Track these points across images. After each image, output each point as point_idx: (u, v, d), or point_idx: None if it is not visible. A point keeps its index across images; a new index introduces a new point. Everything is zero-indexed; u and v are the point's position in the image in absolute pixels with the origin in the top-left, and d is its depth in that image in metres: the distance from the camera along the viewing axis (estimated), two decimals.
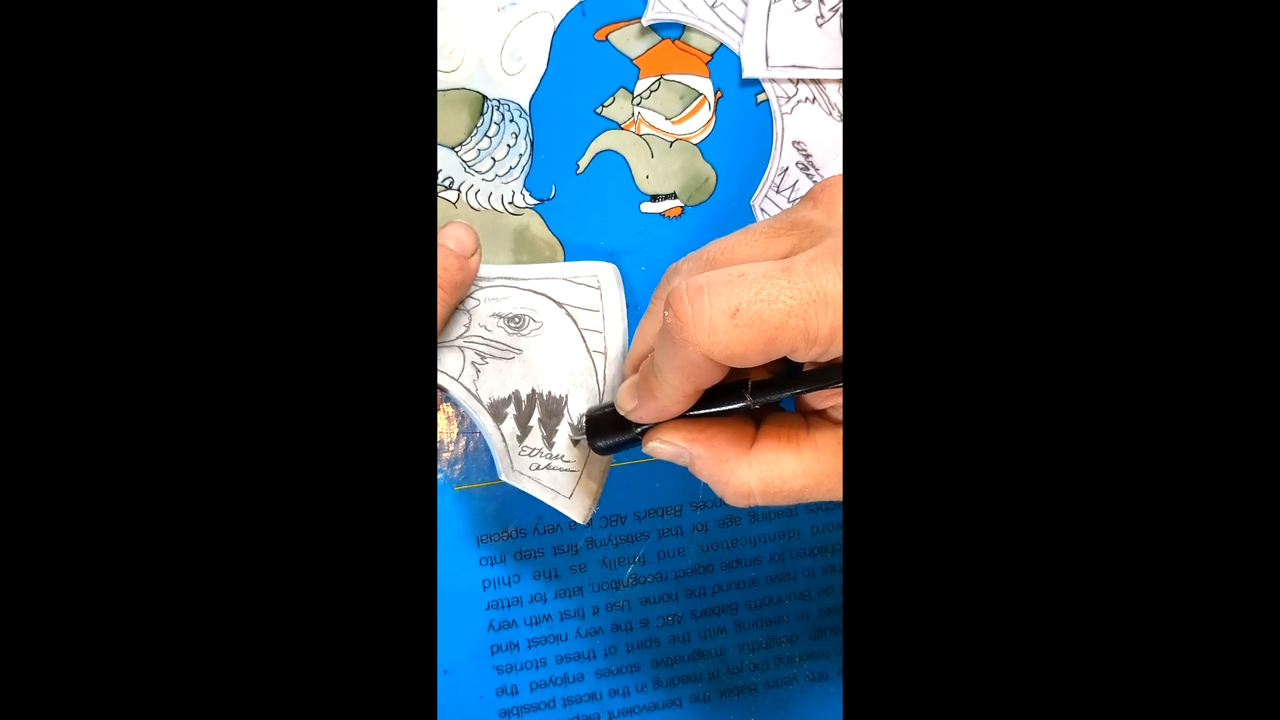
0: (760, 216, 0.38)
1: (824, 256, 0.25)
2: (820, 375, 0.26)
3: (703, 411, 0.28)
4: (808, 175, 0.37)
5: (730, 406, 0.28)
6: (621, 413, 0.30)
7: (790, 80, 0.37)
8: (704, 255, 0.29)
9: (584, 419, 0.32)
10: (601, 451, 0.32)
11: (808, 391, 0.27)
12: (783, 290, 0.24)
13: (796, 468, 0.27)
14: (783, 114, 0.37)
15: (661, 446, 0.29)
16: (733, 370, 0.27)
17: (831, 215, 0.27)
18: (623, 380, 0.31)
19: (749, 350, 0.24)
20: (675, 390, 0.27)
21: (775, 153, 0.37)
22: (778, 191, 0.37)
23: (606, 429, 0.31)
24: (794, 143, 0.37)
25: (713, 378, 0.26)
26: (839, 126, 0.37)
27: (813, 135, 0.37)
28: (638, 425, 0.30)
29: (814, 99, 0.37)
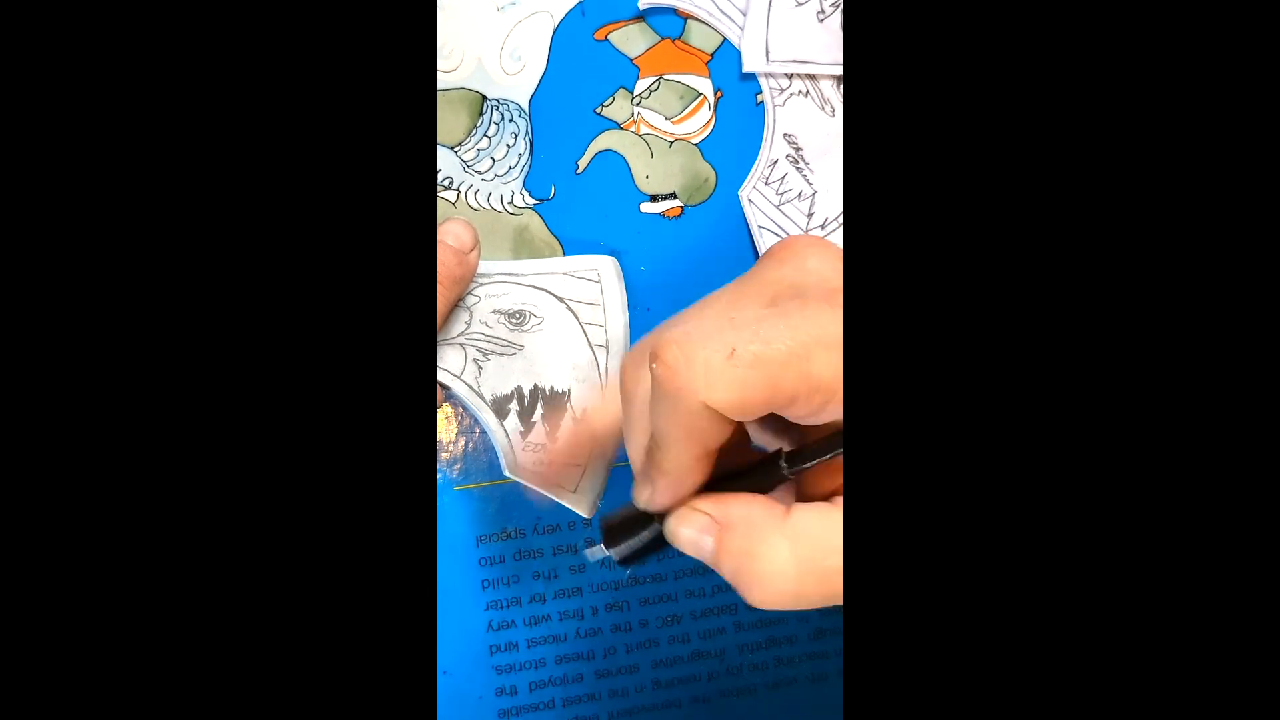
0: (748, 208, 0.37)
1: (814, 304, 0.23)
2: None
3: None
4: (797, 168, 0.37)
5: (767, 478, 0.25)
6: (639, 506, 0.26)
7: (785, 73, 0.37)
8: (669, 322, 0.25)
9: (600, 527, 0.28)
10: (626, 562, 0.27)
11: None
12: (780, 331, 0.22)
13: (838, 532, 0.23)
14: (775, 106, 0.37)
15: (685, 529, 0.25)
16: (743, 444, 0.25)
17: (803, 270, 0.25)
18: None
19: (751, 393, 0.22)
20: (682, 456, 0.24)
21: (765, 144, 0.37)
22: (766, 183, 0.37)
23: (625, 528, 0.27)
24: (785, 135, 0.37)
25: (719, 433, 0.23)
26: (831, 121, 0.37)
27: (804, 129, 0.37)
28: (657, 517, 0.26)
29: (807, 92, 0.37)
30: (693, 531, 0.24)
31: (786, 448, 0.25)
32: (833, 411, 0.23)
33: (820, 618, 0.39)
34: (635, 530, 0.26)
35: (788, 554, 0.23)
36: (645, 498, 0.25)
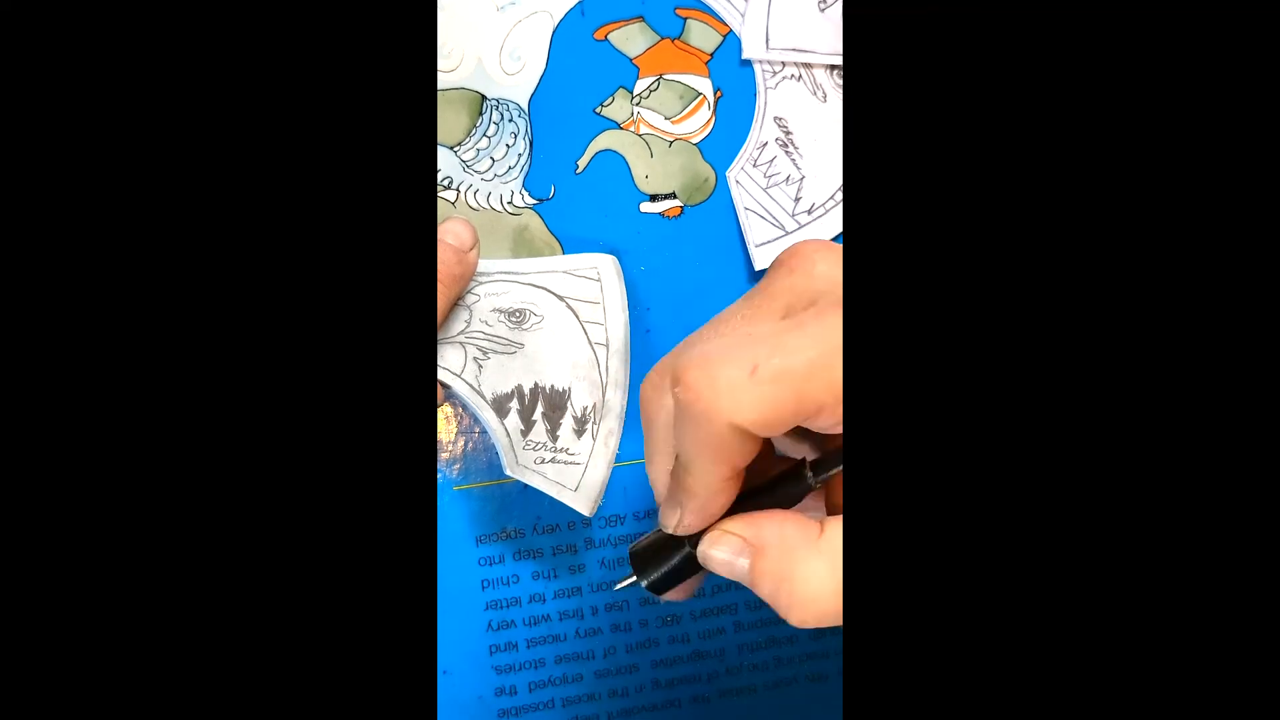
0: (735, 189, 0.37)
1: (830, 311, 0.22)
2: None
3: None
4: (786, 152, 0.37)
5: (792, 490, 0.24)
6: (666, 531, 0.25)
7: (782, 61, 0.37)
8: (686, 342, 0.26)
9: (630, 556, 0.27)
10: (657, 589, 0.27)
11: None
12: (801, 343, 0.22)
13: None
14: (767, 88, 0.37)
15: (717, 552, 0.24)
16: (767, 454, 0.25)
17: (813, 277, 0.24)
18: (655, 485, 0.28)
19: (778, 408, 0.22)
20: (710, 478, 0.23)
21: (755, 126, 0.37)
22: (755, 165, 0.37)
23: (655, 556, 0.26)
24: (775, 118, 0.37)
25: (747, 452, 0.23)
26: (822, 107, 0.37)
27: (795, 113, 0.37)
28: (688, 541, 0.25)
29: (799, 77, 0.37)
30: (726, 554, 0.24)
31: (810, 456, 0.25)
32: None
33: None
34: (666, 557, 0.26)
35: (825, 573, 0.23)
36: (673, 522, 0.25)
